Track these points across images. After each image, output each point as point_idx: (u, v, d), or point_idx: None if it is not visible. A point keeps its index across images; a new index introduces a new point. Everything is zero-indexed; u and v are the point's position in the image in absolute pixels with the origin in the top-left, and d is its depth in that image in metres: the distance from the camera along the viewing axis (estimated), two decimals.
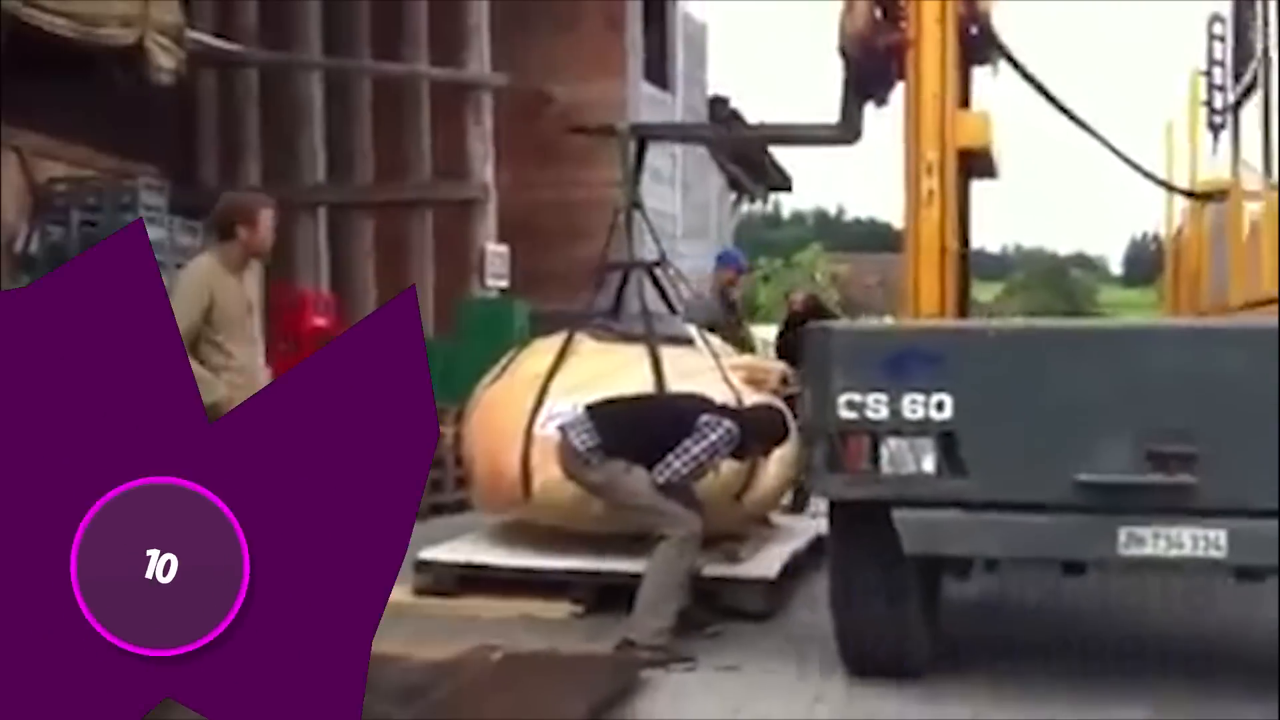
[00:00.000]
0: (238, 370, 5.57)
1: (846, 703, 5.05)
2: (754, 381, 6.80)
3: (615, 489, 5.73)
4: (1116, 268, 79.07)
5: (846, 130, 6.83)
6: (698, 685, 5.20)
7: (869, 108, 6.78)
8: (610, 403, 6.02)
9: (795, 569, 6.81)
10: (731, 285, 9.74)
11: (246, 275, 5.79)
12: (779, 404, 6.27)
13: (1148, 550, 4.61)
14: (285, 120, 12.84)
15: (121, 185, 10.84)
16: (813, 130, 7.27)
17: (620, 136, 7.55)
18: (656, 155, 15.56)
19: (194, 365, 5.34)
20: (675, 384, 6.49)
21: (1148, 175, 7.11)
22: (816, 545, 6.77)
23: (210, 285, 5.52)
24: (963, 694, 5.06)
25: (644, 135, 7.79)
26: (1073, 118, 6.76)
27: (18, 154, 10.97)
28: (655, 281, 7.48)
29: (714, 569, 6.28)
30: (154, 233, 10.64)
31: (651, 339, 6.77)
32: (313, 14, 12.81)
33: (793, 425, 6.03)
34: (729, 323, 9.02)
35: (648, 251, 7.91)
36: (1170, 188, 7.45)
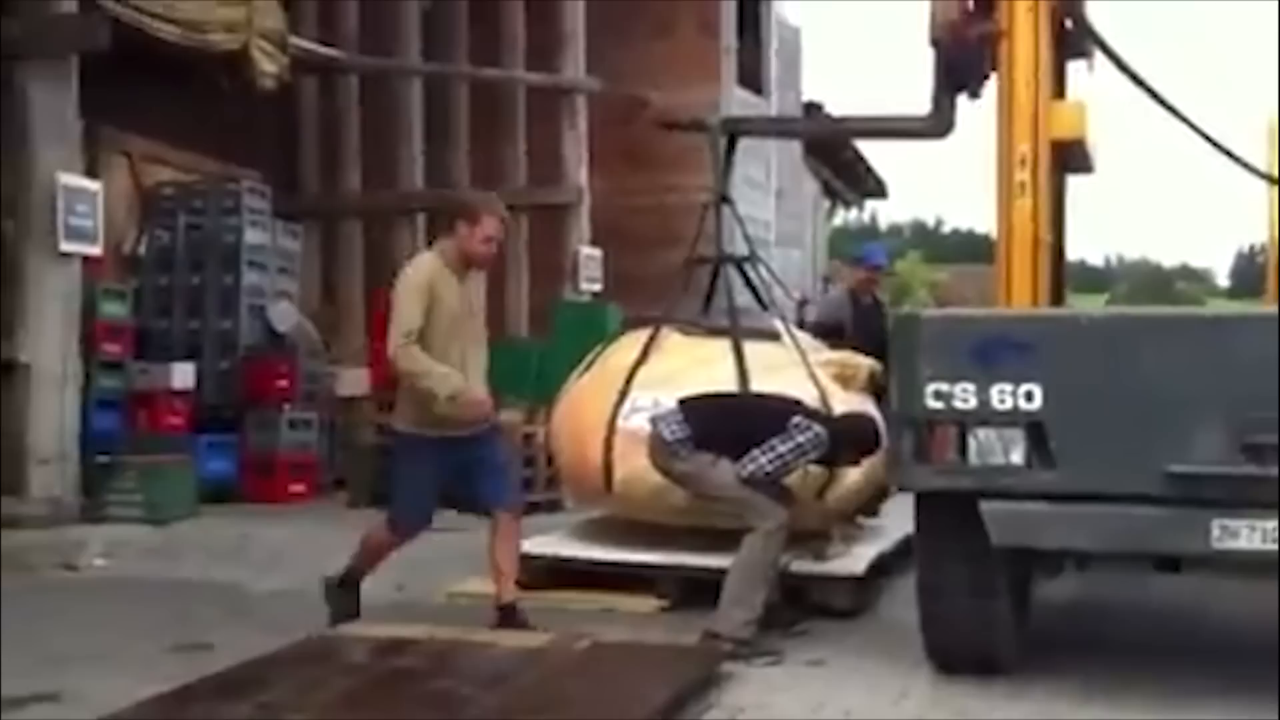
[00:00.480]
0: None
1: (932, 699, 4.99)
2: (843, 378, 6.76)
3: (701, 480, 5.74)
4: (1223, 280, 77.29)
5: (938, 122, 6.76)
6: (782, 679, 5.18)
7: (962, 101, 6.71)
8: (702, 398, 6.04)
9: (884, 567, 6.76)
10: (870, 284, 9.45)
11: (474, 278, 5.76)
12: (873, 414, 6.20)
13: (1242, 544, 4.50)
14: (385, 125, 13.04)
15: (225, 189, 11.10)
16: (904, 122, 7.21)
17: (711, 131, 7.55)
18: (751, 162, 15.62)
19: (426, 362, 5.49)
20: (759, 378, 6.49)
21: (1249, 167, 6.95)
22: (905, 545, 6.72)
23: (432, 283, 5.55)
24: (1051, 692, 4.98)
25: (734, 130, 7.78)
26: (1170, 108, 6.63)
27: (126, 159, 11.30)
28: (745, 277, 7.47)
29: (801, 566, 6.27)
30: (257, 236, 10.92)
31: (736, 333, 6.77)
32: (412, 20, 13.01)
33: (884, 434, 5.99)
34: (864, 322, 8.79)
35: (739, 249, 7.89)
36: (1271, 179, 7.27)
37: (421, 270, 5.59)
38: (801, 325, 9.51)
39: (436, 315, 5.51)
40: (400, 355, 5.50)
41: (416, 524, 5.95)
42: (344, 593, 6.02)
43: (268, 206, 11.18)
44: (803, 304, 10.25)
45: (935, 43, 6.48)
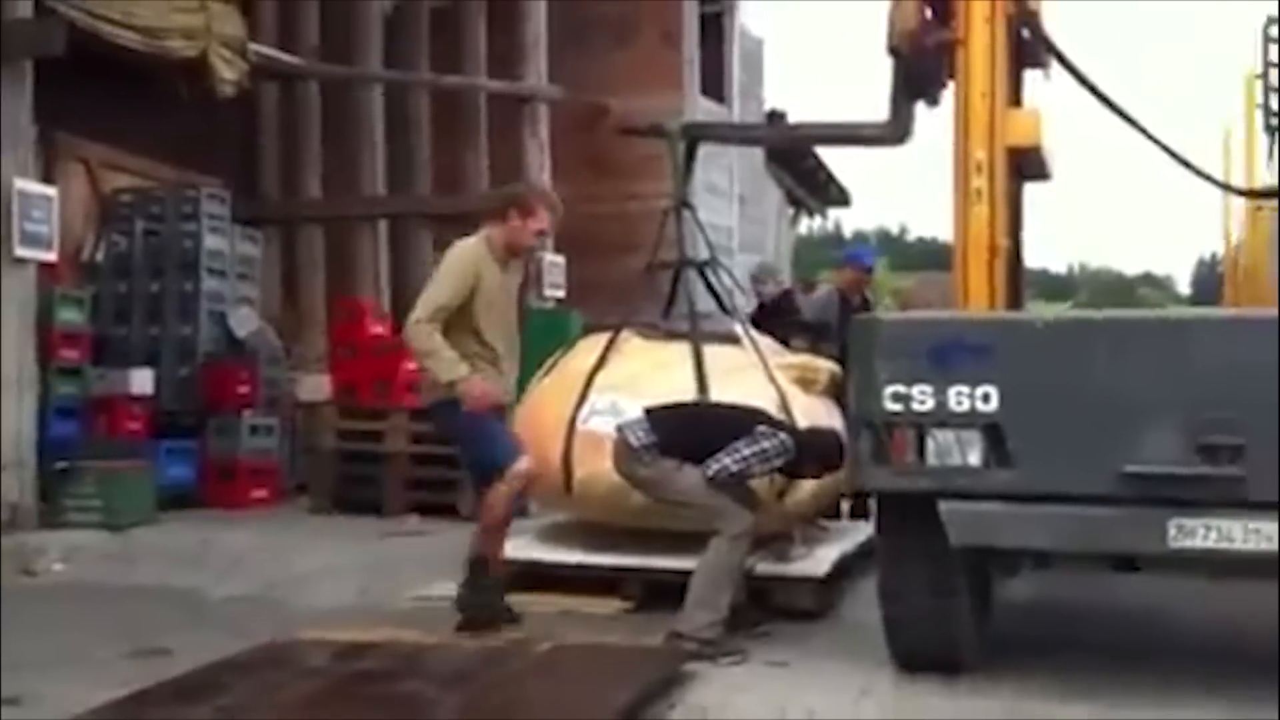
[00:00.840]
0: (489, 361, 5.67)
1: (895, 698, 5.04)
2: (804, 381, 6.79)
3: (667, 485, 5.75)
4: (1184, 287, 78.03)
5: (895, 129, 6.83)
6: (746, 679, 5.21)
7: (920, 108, 6.77)
8: (669, 407, 6.06)
9: (846, 569, 6.80)
10: (859, 285, 9.48)
11: (514, 267, 5.83)
12: (837, 428, 6.25)
13: (1198, 543, 4.57)
14: (346, 132, 13.00)
15: (184, 195, 11.01)
16: (862, 129, 7.28)
17: (670, 136, 7.59)
18: (713, 170, 15.65)
19: (437, 342, 5.50)
20: (718, 381, 6.52)
21: (1204, 176, 7.07)
22: (868, 547, 6.75)
23: (477, 268, 5.56)
24: (1014, 691, 5.02)
25: (694, 136, 7.83)
26: (1126, 118, 6.73)
27: (84, 165, 11.22)
28: (706, 281, 7.51)
29: (764, 567, 6.30)
30: (216, 242, 10.86)
31: (695, 337, 6.80)
32: (374, 27, 12.98)
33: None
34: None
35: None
36: (1226, 187, 7.40)
37: (468, 254, 5.62)
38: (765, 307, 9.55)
39: (477, 299, 5.60)
40: (414, 331, 5.57)
41: (519, 451, 5.84)
42: (486, 589, 5.85)
43: (227, 212, 11.11)
44: (786, 294, 10.11)
45: (894, 51, 6.55)
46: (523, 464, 5.79)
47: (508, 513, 5.84)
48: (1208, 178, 7.11)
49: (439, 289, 5.62)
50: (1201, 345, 4.66)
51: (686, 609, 5.55)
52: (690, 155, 7.64)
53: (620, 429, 5.92)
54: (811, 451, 5.86)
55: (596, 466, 6.20)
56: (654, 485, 5.82)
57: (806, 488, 6.44)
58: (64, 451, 8.73)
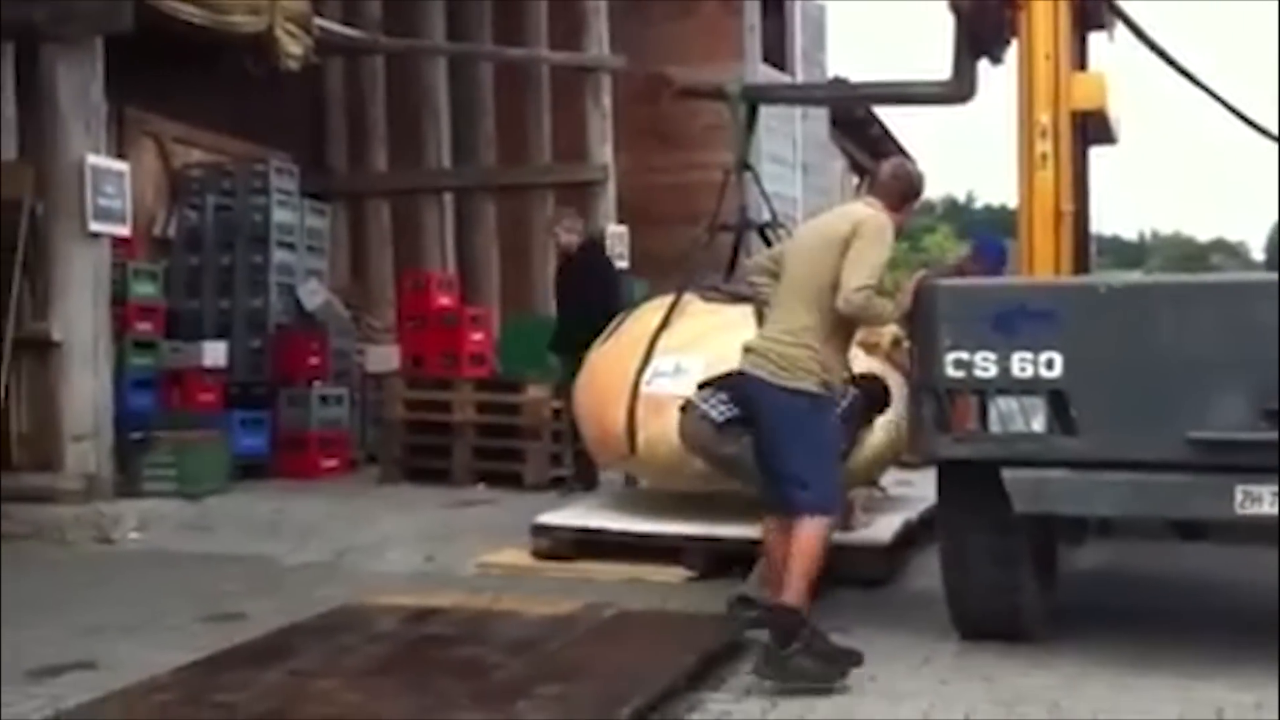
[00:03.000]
0: None
1: (956, 666, 5.03)
2: (865, 344, 6.79)
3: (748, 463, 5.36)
4: (1258, 254, 76.56)
5: (959, 88, 6.75)
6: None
7: (985, 67, 6.69)
8: (726, 375, 5.91)
9: (910, 537, 6.80)
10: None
11: None
12: (881, 374, 6.21)
13: (1265, 509, 4.53)
14: (410, 106, 13.09)
15: (253, 170, 11.18)
16: (925, 88, 7.20)
17: (730, 98, 7.57)
18: (777, 140, 15.57)
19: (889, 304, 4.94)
20: None
21: (1274, 138, 6.92)
22: (930, 515, 6.74)
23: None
24: (1077, 660, 5.00)
25: (754, 98, 7.80)
26: (1193, 79, 6.64)
27: (155, 140, 11.39)
28: (768, 244, 7.50)
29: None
30: (285, 215, 11.01)
31: (758, 299, 6.78)
32: (436, 1, 13.04)
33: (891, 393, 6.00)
34: None
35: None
36: None
37: (889, 228, 4.98)
38: None
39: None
40: (866, 300, 4.81)
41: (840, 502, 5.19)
42: (825, 654, 4.72)
43: (295, 186, 11.26)
44: None
45: (955, 7, 6.47)
46: (837, 515, 5.20)
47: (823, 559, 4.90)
48: (1275, 139, 6.97)
49: (876, 263, 4.87)
50: (1266, 309, 4.59)
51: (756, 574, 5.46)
52: (751, 117, 7.61)
53: (695, 405, 5.65)
54: (862, 400, 5.69)
55: (660, 428, 6.25)
56: (740, 467, 5.44)
57: (866, 449, 6.42)
58: (140, 423, 8.92)
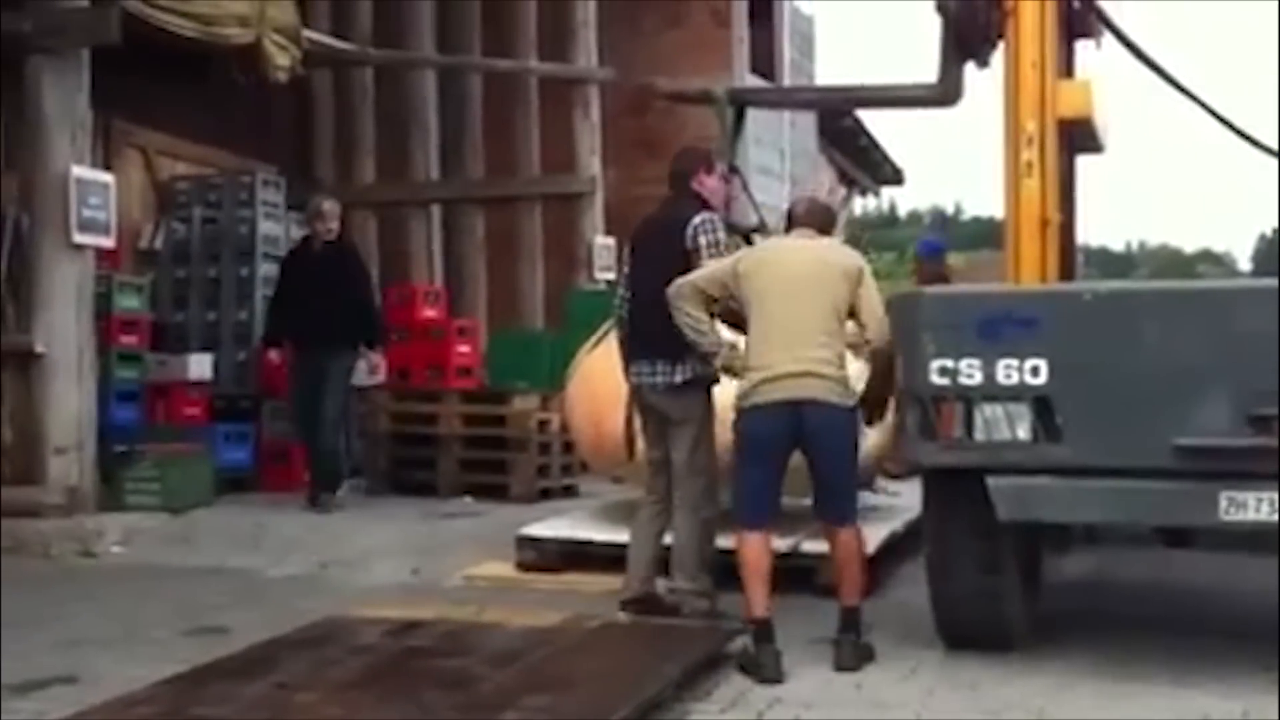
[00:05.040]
0: None
1: (942, 674, 5.02)
2: (854, 346, 6.79)
3: None
4: (1245, 264, 76.85)
5: (946, 90, 6.76)
6: (791, 656, 5.20)
7: (971, 70, 6.69)
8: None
9: (895, 547, 6.78)
10: (941, 275, 9.43)
11: None
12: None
13: (1250, 515, 4.52)
14: (399, 118, 13.07)
15: (240, 182, 11.13)
16: (911, 90, 7.21)
17: (718, 102, 7.58)
18: (765, 152, 15.58)
19: None
20: None
21: (1263, 148, 6.94)
22: (916, 526, 6.73)
23: None
24: (1063, 668, 5.00)
25: (741, 101, 7.82)
26: (1180, 88, 6.64)
27: (141, 152, 11.36)
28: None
29: (812, 545, 6.28)
30: (272, 228, 10.98)
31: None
32: (425, 13, 13.02)
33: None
34: None
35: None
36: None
37: None
38: None
39: None
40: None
41: None
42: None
43: (283, 199, 11.22)
44: None
45: (941, 8, 6.47)
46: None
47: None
48: (1267, 149, 6.99)
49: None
50: (1250, 316, 4.60)
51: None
52: (738, 121, 7.62)
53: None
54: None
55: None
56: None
57: (865, 449, 6.41)
58: (124, 435, 8.88)
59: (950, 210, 73.51)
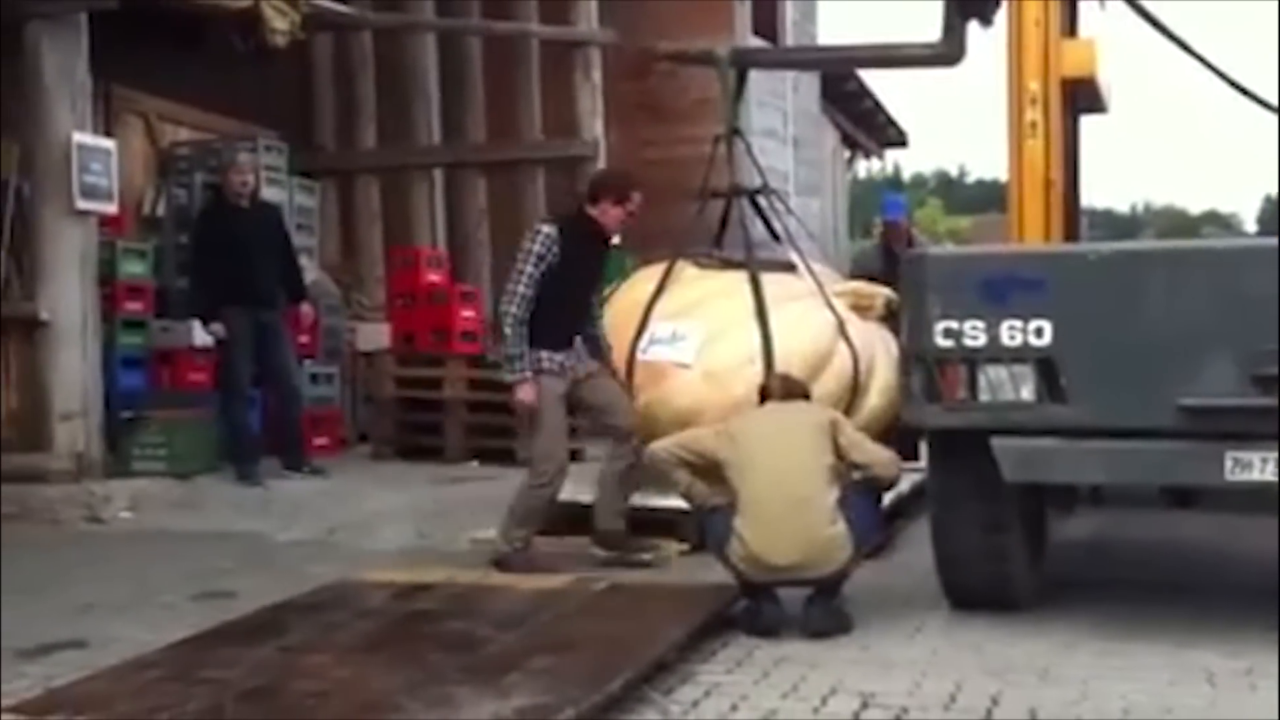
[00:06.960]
0: None
1: (947, 634, 5.04)
2: (859, 308, 6.82)
3: None
4: (1251, 225, 76.67)
5: (949, 49, 6.71)
6: (796, 616, 5.23)
7: (974, 29, 6.65)
8: None
9: (900, 509, 6.79)
10: (893, 236, 9.37)
11: None
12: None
13: (1255, 475, 4.53)
14: (399, 82, 13.01)
15: (241, 148, 11.09)
16: (914, 49, 7.17)
17: (719, 63, 7.54)
18: (768, 114, 15.50)
19: None
20: (776, 308, 6.54)
21: (1269, 107, 6.89)
22: (921, 488, 6.74)
23: None
24: (1068, 628, 5.01)
25: (742, 62, 7.77)
26: (1186, 48, 6.59)
27: (142, 118, 11.32)
28: (758, 209, 7.48)
29: None
30: (273, 193, 10.94)
31: (752, 265, 6.81)
32: None
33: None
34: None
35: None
36: None
37: None
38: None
39: None
40: None
41: None
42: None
43: (284, 164, 11.19)
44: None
45: None
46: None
47: None
48: (1270, 106, 6.94)
49: None
50: (1255, 276, 4.58)
51: None
52: (740, 83, 7.58)
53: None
54: None
55: (659, 394, 6.34)
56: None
57: (869, 407, 6.45)
58: (130, 402, 8.88)
59: (954, 172, 73.34)
